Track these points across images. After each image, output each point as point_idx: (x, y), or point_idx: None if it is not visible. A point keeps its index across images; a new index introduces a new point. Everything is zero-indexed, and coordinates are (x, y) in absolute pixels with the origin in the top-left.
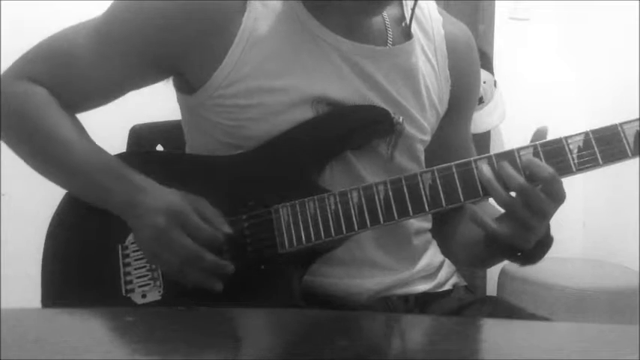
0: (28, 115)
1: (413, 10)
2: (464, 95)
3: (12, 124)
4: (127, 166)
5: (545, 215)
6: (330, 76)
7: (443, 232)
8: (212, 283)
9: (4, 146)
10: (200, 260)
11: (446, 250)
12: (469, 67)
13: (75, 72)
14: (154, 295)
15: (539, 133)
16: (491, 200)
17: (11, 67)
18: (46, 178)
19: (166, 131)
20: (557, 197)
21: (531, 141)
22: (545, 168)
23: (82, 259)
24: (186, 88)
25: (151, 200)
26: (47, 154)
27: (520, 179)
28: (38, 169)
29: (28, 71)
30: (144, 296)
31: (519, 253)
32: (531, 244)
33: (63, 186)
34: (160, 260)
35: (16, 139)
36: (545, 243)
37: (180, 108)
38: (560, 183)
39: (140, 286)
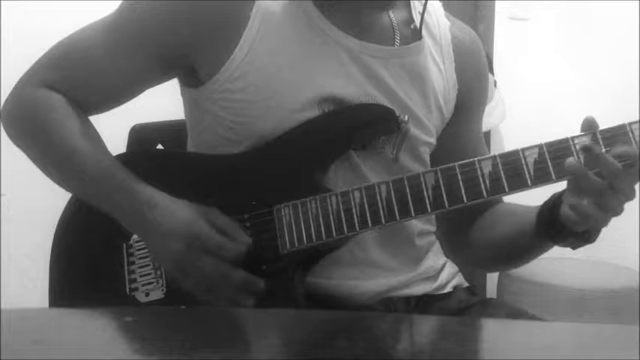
0: (41, 124)
1: (424, 8)
2: (473, 98)
3: (27, 132)
4: (137, 179)
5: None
6: (336, 75)
7: (471, 232)
8: (243, 299)
9: (4, 146)
10: (230, 279)
11: (472, 251)
12: (477, 71)
13: (89, 72)
14: (157, 294)
15: (588, 123)
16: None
17: (26, 74)
18: (58, 185)
19: (166, 131)
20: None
21: (582, 130)
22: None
23: (87, 258)
24: (193, 81)
25: (164, 219)
26: (58, 162)
27: (616, 164)
28: (50, 176)
29: (43, 78)
30: (147, 295)
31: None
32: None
33: (72, 193)
34: (185, 282)
35: (30, 145)
36: None
37: (185, 103)
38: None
39: (144, 285)
